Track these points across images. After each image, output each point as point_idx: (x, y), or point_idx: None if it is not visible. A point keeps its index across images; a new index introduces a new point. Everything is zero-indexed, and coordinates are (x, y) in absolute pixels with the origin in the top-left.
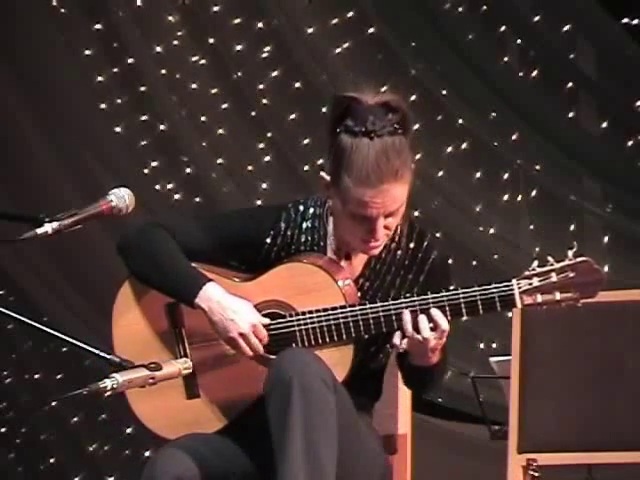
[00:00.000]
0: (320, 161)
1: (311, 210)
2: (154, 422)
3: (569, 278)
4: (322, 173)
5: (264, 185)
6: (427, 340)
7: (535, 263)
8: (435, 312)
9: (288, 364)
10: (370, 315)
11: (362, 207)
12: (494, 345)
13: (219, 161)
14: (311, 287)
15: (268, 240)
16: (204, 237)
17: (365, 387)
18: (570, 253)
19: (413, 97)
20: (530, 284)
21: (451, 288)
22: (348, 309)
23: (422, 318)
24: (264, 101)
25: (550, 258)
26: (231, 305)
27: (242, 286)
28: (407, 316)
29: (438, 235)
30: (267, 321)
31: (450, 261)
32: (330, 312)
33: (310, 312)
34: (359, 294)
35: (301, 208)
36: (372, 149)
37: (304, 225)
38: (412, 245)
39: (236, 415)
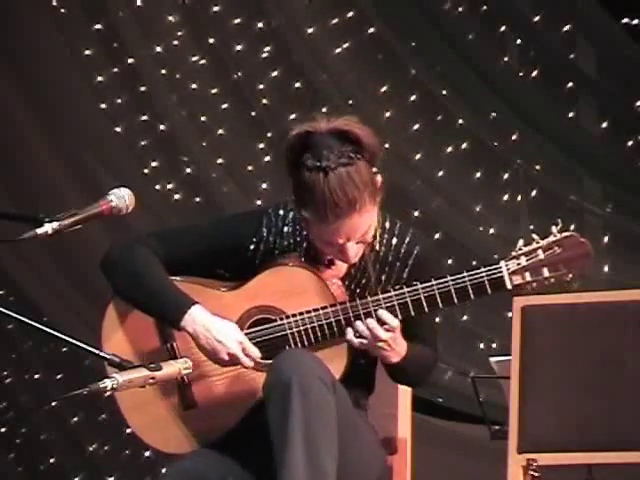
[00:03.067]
0: None
1: (291, 214)
2: (152, 436)
3: (556, 254)
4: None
5: (264, 185)
6: (384, 338)
7: (521, 242)
8: (381, 313)
9: (287, 365)
10: (361, 311)
11: (327, 238)
12: (494, 345)
13: (219, 161)
14: (299, 289)
15: (251, 247)
16: (187, 250)
17: (357, 382)
18: (555, 229)
19: (413, 97)
20: (518, 264)
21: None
22: (339, 307)
23: (370, 321)
24: (264, 101)
25: (535, 236)
26: (217, 327)
27: (229, 295)
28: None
29: (438, 235)
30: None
31: (432, 254)
32: (320, 312)
33: (300, 314)
34: (347, 293)
35: (281, 212)
36: (327, 185)
37: (285, 229)
38: (394, 241)
39: (235, 423)
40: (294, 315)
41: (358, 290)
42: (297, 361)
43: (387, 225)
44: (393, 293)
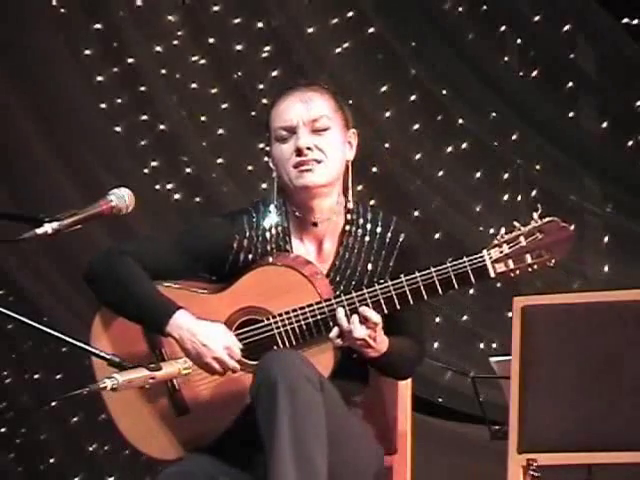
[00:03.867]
0: None
1: (271, 207)
2: (147, 444)
3: (538, 240)
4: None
5: (264, 185)
6: (362, 337)
7: (502, 230)
8: (363, 310)
9: (272, 366)
10: (347, 306)
11: (284, 116)
12: (494, 345)
13: (219, 161)
14: (285, 288)
15: (234, 245)
16: (171, 255)
17: (350, 378)
18: (535, 215)
19: (413, 97)
20: (501, 252)
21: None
22: (324, 304)
23: (354, 318)
24: (264, 101)
25: (516, 223)
26: (202, 331)
27: (215, 298)
28: (341, 313)
29: (438, 235)
30: (240, 345)
31: (416, 241)
32: (306, 309)
33: (287, 313)
34: (332, 287)
35: (261, 208)
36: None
37: (266, 223)
38: (379, 230)
39: (228, 425)
40: (280, 315)
41: (344, 282)
42: (283, 361)
43: (369, 215)
44: (377, 287)
